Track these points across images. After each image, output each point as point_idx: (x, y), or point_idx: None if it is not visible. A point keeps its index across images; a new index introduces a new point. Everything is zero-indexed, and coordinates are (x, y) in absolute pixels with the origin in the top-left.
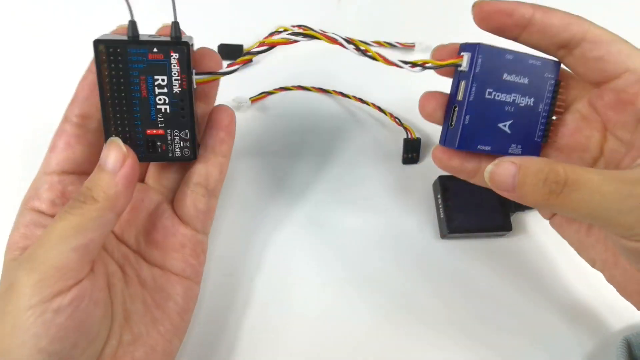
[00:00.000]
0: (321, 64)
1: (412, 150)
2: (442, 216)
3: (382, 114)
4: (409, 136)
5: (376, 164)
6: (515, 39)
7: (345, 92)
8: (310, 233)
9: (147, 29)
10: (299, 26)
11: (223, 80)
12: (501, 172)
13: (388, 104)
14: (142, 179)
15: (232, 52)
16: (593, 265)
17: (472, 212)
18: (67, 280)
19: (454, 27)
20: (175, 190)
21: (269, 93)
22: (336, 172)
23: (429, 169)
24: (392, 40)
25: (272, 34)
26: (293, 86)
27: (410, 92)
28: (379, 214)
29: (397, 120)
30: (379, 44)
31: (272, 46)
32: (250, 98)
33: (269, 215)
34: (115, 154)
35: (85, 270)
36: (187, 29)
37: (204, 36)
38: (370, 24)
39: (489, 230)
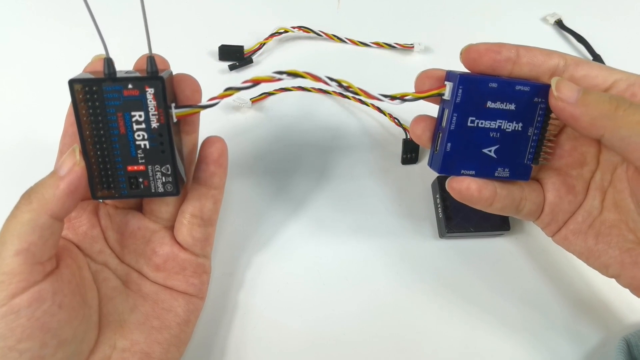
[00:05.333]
0: (321, 65)
1: (411, 151)
2: (440, 216)
3: (382, 115)
4: (408, 137)
5: (375, 164)
6: (510, 74)
7: (344, 93)
8: (310, 231)
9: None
10: (299, 27)
11: (224, 81)
12: (568, 83)
13: (387, 105)
14: (138, 208)
15: (233, 53)
16: (606, 271)
17: (470, 211)
18: (18, 284)
19: (453, 28)
20: (174, 219)
21: (270, 94)
22: (335, 172)
23: (428, 169)
24: (391, 41)
25: (272, 35)
26: (293, 87)
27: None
28: (377, 214)
29: (396, 120)
30: (378, 44)
31: (257, 83)
32: (250, 99)
33: (269, 215)
34: (67, 161)
35: (37, 272)
36: (188, 31)
37: (204, 37)
38: (370, 25)
39: (487, 229)
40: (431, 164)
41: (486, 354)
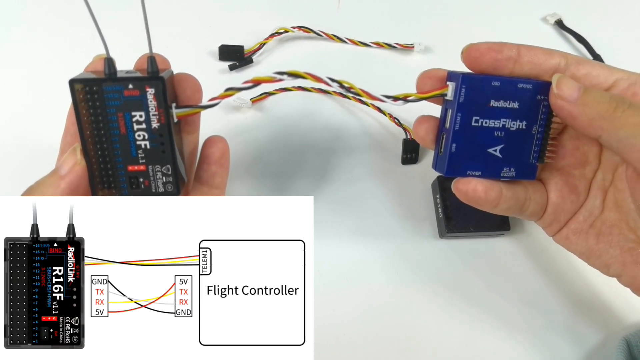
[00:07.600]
0: (321, 65)
1: (411, 151)
2: (440, 216)
3: (382, 115)
4: (408, 137)
5: (375, 164)
6: (511, 73)
7: (345, 93)
8: None
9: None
10: (299, 27)
11: (224, 81)
12: (569, 81)
13: (387, 105)
14: None
15: (233, 53)
16: (607, 271)
17: (470, 211)
18: None
19: (453, 28)
20: None
21: (270, 94)
22: (335, 172)
23: (428, 169)
24: (391, 41)
25: (272, 35)
26: (293, 87)
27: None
28: (377, 214)
29: (396, 120)
30: (379, 44)
31: (257, 83)
32: (250, 99)
33: None
34: (68, 160)
35: None
36: (188, 31)
37: (204, 37)
38: (370, 25)
39: (487, 229)
40: (436, 166)
41: (486, 354)
